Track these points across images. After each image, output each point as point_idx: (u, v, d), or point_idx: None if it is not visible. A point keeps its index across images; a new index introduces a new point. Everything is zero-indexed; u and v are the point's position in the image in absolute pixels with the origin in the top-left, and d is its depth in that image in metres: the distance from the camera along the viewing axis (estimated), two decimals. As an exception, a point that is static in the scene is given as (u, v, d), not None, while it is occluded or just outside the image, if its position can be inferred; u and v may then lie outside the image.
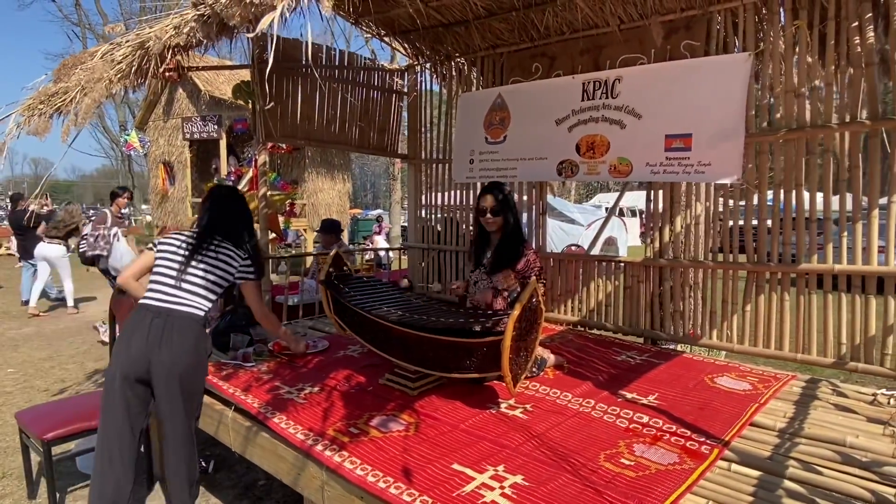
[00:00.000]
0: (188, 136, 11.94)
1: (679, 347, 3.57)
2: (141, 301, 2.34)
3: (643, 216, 23.78)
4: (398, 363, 2.72)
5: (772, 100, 3.05)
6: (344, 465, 1.97)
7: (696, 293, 3.37)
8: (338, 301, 3.08)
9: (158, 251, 2.40)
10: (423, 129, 4.84)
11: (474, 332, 2.35)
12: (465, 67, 4.51)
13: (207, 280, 2.38)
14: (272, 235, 4.33)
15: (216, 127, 11.41)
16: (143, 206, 28.23)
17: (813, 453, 2.06)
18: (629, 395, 2.63)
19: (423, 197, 4.84)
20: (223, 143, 11.43)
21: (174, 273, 2.34)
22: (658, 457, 2.03)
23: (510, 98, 4.13)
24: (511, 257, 2.96)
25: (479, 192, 3.07)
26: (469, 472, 1.90)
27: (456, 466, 1.94)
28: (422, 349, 2.56)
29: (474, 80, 4.51)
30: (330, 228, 5.14)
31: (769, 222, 3.08)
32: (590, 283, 3.83)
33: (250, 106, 3.98)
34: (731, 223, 3.24)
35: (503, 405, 2.51)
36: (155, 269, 2.37)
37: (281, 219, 4.66)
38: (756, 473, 1.94)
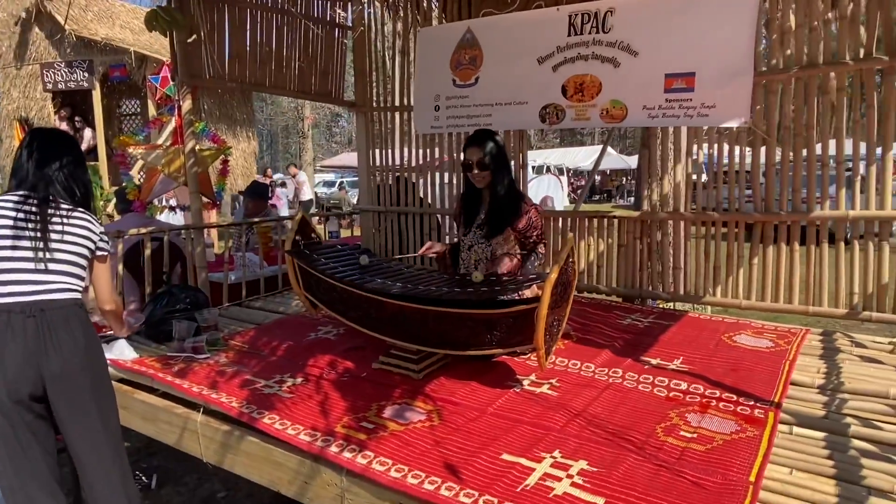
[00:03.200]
0: (50, 86, 10.67)
1: (681, 306, 3.64)
2: None
3: (570, 175, 24.55)
4: (396, 343, 2.53)
5: (779, 35, 3.07)
6: (372, 466, 1.78)
7: (698, 247, 3.42)
8: (308, 275, 2.82)
9: None
10: (373, 71, 4.53)
11: (498, 302, 2.20)
12: (424, -3, 4.25)
13: (73, 253, 1.97)
14: (205, 201, 3.90)
15: (87, 75, 10.26)
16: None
17: (865, 408, 2.14)
18: (654, 361, 2.62)
19: (379, 151, 4.57)
20: (97, 95, 10.31)
21: (30, 252, 1.89)
22: (717, 426, 2.01)
23: (482, 33, 3.93)
24: (510, 216, 2.83)
25: (465, 143, 2.89)
26: (524, 461, 1.79)
27: (506, 457, 1.82)
28: (426, 325, 2.39)
29: (435, 12, 4.26)
30: (261, 193, 4.75)
31: (778, 167, 3.16)
32: (579, 242, 3.79)
33: (167, 38, 3.51)
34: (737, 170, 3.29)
35: (525, 382, 2.41)
36: None
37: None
38: (820, 435, 1.97)
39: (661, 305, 3.73)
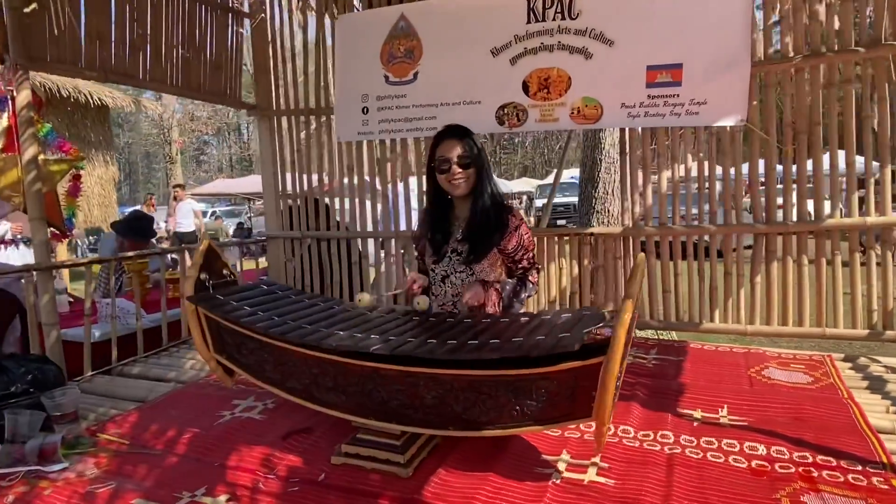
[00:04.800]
0: None
1: (671, 336, 3.14)
2: None
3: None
4: (367, 423, 1.74)
5: (778, 20, 2.72)
6: None
7: (690, 266, 2.94)
8: (222, 330, 1.95)
9: None
10: (277, 66, 3.69)
11: (535, 359, 1.50)
12: (342, -22, 3.51)
13: None
14: (51, 231, 2.80)
15: None
16: None
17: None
18: (697, 415, 2.05)
19: (291, 164, 3.71)
20: None
21: None
22: (853, 513, 1.45)
23: (419, 20, 3.27)
24: (496, 232, 2.16)
25: (434, 139, 2.19)
26: None
27: None
28: (417, 396, 1.63)
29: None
30: (141, 230, 3.68)
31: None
32: (549, 265, 3.19)
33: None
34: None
35: (561, 465, 1.72)
36: None
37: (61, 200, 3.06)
38: (973, 509, 1.48)
39: (643, 335, 3.21)
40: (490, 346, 1.51)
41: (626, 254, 3.04)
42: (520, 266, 2.22)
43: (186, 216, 10.25)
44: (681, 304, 2.98)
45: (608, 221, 4.31)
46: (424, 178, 2.47)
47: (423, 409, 1.66)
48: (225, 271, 2.10)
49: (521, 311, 2.21)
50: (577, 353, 1.47)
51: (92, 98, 10.73)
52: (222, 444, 1.92)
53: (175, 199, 11.01)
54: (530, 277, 2.25)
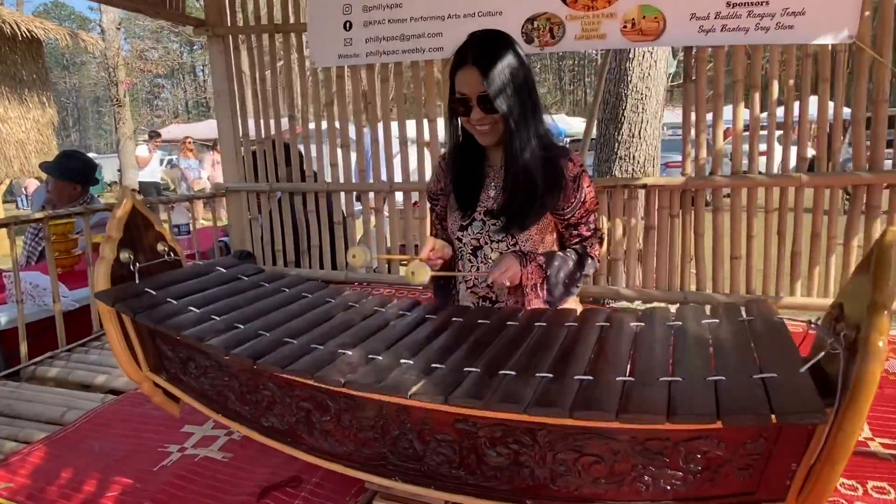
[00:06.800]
0: None
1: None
2: None
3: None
4: (388, 487, 1.12)
5: None
6: None
7: (768, 225, 2.35)
8: (159, 337, 1.29)
9: None
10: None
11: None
12: None
13: None
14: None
15: None
16: None
17: None
18: (878, 447, 1.49)
19: (252, 99, 2.94)
20: None
21: None
22: None
23: None
24: (547, 187, 1.51)
25: (454, 57, 1.50)
26: None
27: None
28: (475, 447, 1.02)
29: None
30: (74, 171, 2.89)
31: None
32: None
33: None
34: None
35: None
36: None
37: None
38: None
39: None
40: (627, 392, 0.89)
41: (686, 211, 2.43)
42: (576, 233, 1.60)
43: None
44: (753, 274, 2.40)
45: (632, 170, 3.68)
46: (443, 111, 1.77)
47: (484, 471, 1.05)
48: (161, 247, 1.41)
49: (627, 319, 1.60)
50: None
51: (20, 29, 9.49)
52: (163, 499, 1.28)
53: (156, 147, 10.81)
54: (591, 251, 1.62)
